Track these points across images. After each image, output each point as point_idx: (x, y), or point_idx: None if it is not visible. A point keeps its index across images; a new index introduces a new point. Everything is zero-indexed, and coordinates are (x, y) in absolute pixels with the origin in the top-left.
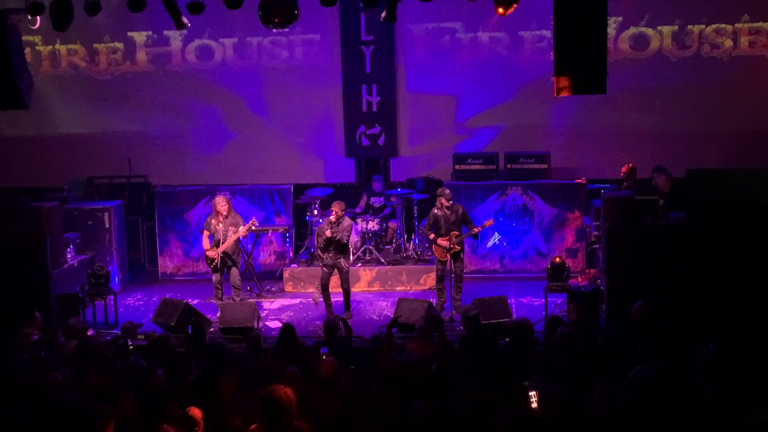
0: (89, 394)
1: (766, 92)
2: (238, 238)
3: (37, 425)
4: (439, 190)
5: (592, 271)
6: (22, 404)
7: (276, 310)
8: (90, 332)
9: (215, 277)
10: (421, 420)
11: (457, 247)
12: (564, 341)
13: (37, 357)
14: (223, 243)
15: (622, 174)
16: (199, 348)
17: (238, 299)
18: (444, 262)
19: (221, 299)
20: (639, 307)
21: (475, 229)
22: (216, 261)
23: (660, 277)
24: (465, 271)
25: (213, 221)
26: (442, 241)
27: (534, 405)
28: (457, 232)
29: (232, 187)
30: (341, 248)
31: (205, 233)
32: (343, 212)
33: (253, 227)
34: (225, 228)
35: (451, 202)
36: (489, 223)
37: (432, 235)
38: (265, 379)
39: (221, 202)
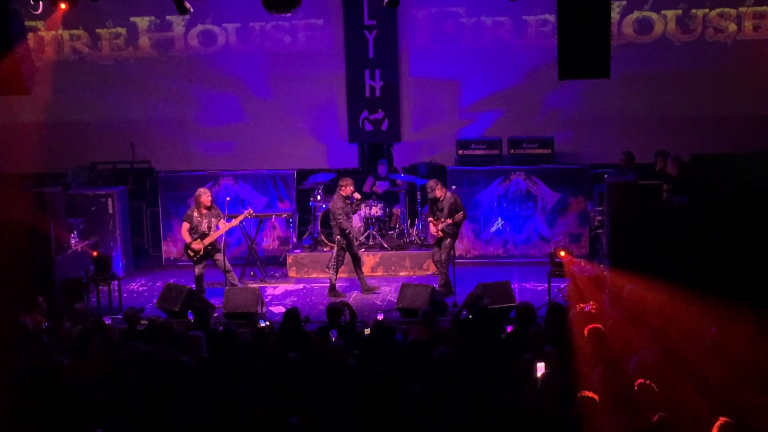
0: (92, 378)
1: None
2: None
3: (41, 410)
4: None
5: None
6: (25, 390)
7: (279, 295)
8: (106, 320)
9: (198, 270)
10: (420, 403)
11: (440, 233)
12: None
13: (42, 342)
14: (208, 235)
15: (620, 161)
16: (204, 332)
17: (235, 282)
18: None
19: (204, 290)
20: (628, 291)
21: (447, 220)
22: (200, 253)
23: (664, 261)
24: (468, 255)
25: (195, 214)
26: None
27: (540, 373)
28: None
29: (235, 172)
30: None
31: (185, 225)
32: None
33: (252, 215)
34: (208, 220)
35: (433, 190)
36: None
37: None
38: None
39: (206, 194)
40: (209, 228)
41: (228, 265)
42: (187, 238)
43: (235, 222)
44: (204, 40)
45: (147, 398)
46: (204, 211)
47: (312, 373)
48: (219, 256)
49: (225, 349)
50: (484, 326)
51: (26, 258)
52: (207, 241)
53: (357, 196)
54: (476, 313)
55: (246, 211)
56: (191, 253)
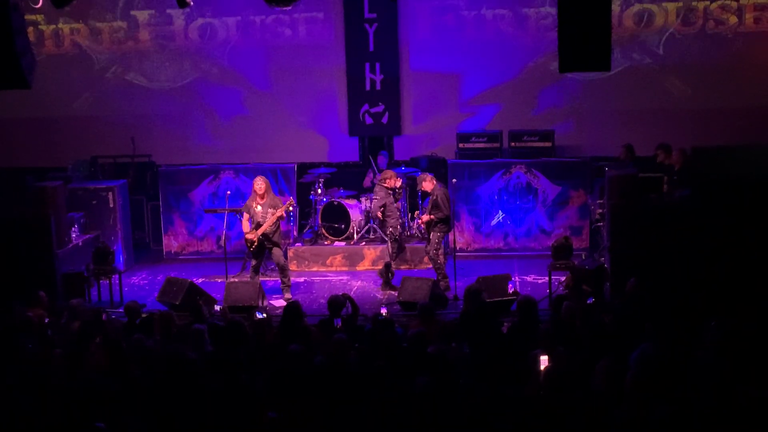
0: (93, 373)
1: None
2: (278, 219)
3: (41, 407)
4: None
5: None
6: (26, 385)
7: (281, 288)
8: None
9: (254, 262)
10: (426, 393)
11: (423, 225)
12: (569, 317)
13: (44, 337)
14: (262, 225)
15: (620, 154)
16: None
17: (287, 281)
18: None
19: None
20: (632, 283)
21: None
22: (255, 244)
23: (665, 254)
24: (469, 249)
25: (252, 203)
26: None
27: (543, 366)
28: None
29: (236, 166)
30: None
31: (245, 216)
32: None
33: (291, 208)
34: (264, 210)
35: (419, 184)
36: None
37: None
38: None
39: (259, 183)
40: (264, 218)
41: (284, 261)
42: (246, 228)
43: (279, 212)
44: (204, 34)
45: (149, 392)
46: (260, 201)
47: (311, 366)
48: (277, 251)
49: (230, 343)
50: (484, 319)
51: (27, 252)
52: (260, 231)
53: (398, 183)
54: (474, 305)
55: (288, 201)
56: (248, 244)
